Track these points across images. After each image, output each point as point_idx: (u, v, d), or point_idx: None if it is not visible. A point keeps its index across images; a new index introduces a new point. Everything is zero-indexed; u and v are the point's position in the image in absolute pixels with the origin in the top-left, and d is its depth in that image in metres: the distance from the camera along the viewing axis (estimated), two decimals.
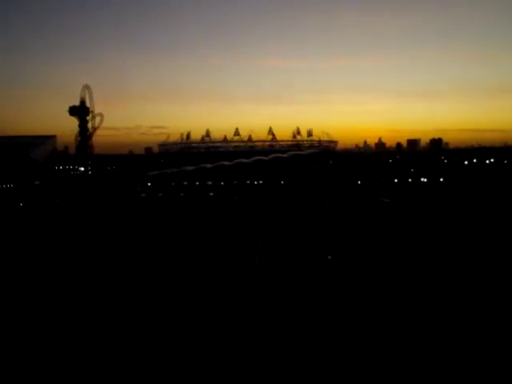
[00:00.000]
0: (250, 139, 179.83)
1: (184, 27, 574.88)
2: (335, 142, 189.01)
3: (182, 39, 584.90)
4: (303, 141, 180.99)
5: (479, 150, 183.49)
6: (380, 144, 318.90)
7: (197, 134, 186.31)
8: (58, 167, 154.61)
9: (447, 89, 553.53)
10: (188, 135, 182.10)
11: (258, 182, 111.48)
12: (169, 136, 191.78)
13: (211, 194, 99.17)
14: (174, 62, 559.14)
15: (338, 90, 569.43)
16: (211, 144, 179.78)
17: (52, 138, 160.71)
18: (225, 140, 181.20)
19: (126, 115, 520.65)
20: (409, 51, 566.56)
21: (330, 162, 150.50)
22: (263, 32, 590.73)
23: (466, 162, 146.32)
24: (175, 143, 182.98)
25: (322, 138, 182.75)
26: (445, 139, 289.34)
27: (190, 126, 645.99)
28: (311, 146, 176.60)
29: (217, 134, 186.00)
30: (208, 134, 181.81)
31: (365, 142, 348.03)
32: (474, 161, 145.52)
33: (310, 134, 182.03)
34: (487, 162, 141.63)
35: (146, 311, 30.28)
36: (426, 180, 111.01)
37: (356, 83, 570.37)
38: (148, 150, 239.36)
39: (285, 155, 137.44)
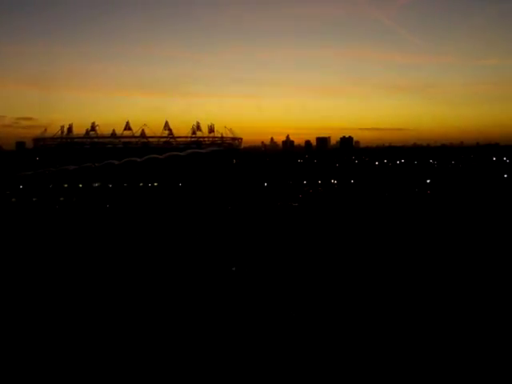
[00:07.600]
0: (143, 134, 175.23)
1: (62, 12, 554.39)
2: (239, 140, 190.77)
3: (54, 22, 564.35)
4: (204, 137, 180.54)
5: (390, 150, 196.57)
6: (288, 142, 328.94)
7: (80, 128, 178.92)
8: None
9: (350, 86, 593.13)
10: (70, 129, 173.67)
11: (151, 184, 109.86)
12: (46, 129, 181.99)
13: (97, 198, 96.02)
14: (45, 47, 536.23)
15: (238, 83, 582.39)
16: (97, 139, 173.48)
17: None
18: (113, 135, 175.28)
19: None
20: (306, 45, 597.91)
21: (234, 161, 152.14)
22: (147, 18, 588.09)
23: (376, 163, 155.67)
24: (54, 138, 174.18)
25: (224, 135, 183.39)
26: (355, 138, 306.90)
27: (68, 118, 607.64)
28: (213, 144, 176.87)
29: (104, 129, 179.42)
30: (94, 127, 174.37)
31: (271, 140, 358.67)
32: (385, 161, 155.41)
33: (211, 129, 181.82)
34: (397, 162, 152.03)
35: None
36: (336, 182, 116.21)
37: (257, 76, 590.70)
38: (20, 145, 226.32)
39: (183, 154, 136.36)
